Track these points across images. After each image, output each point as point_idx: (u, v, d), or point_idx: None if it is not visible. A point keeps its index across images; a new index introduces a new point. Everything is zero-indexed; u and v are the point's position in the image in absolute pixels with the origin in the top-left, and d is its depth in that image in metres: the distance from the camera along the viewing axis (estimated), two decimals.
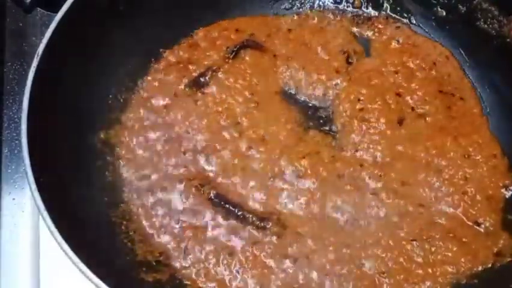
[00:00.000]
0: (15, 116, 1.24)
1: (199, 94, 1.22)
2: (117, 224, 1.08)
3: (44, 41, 1.01)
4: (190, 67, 1.25)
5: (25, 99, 0.97)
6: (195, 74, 1.24)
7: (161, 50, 1.26)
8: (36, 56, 1.00)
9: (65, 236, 0.88)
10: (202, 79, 1.23)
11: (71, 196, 1.00)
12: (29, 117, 0.96)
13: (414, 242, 1.06)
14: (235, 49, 1.26)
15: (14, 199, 1.17)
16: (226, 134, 1.17)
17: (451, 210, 1.11)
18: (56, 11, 1.05)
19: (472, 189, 1.12)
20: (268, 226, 1.07)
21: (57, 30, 1.03)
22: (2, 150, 1.21)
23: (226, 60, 1.25)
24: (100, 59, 1.14)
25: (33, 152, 0.94)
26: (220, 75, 1.23)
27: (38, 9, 1.32)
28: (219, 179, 1.13)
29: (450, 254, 1.06)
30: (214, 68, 1.24)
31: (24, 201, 1.17)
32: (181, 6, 1.25)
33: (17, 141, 1.21)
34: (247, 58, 1.26)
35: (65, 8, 1.05)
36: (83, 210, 1.02)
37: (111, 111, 1.19)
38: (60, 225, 0.89)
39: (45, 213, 0.89)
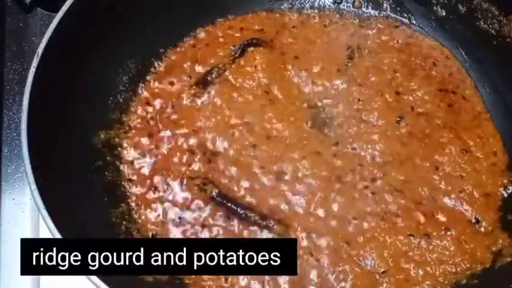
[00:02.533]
0: (15, 116, 1.24)
1: (206, 93, 1.22)
2: (117, 224, 1.08)
3: (44, 41, 1.01)
4: (196, 66, 1.25)
5: (25, 99, 0.97)
6: (201, 73, 1.24)
7: (162, 50, 1.27)
8: (36, 56, 1.00)
9: (65, 236, 0.88)
10: (208, 78, 1.23)
11: (71, 196, 1.00)
12: (29, 117, 0.96)
13: (412, 238, 1.07)
14: (241, 47, 1.26)
15: (14, 199, 1.18)
16: (231, 133, 1.17)
17: (449, 207, 1.11)
18: (56, 11, 1.05)
19: (470, 186, 1.12)
20: (270, 225, 1.08)
21: (57, 30, 1.03)
22: (2, 150, 1.21)
23: (233, 58, 1.25)
24: (100, 59, 1.14)
25: (33, 152, 0.94)
26: (227, 73, 1.24)
27: (38, 9, 1.33)
28: (222, 178, 1.13)
29: (447, 253, 1.06)
30: (221, 66, 1.24)
31: (24, 201, 1.17)
32: (181, 6, 1.26)
33: (17, 141, 1.21)
34: (254, 56, 1.25)
35: (65, 8, 1.05)
36: (83, 210, 1.02)
37: (111, 112, 1.19)
38: (60, 225, 0.89)
39: (45, 213, 0.89)
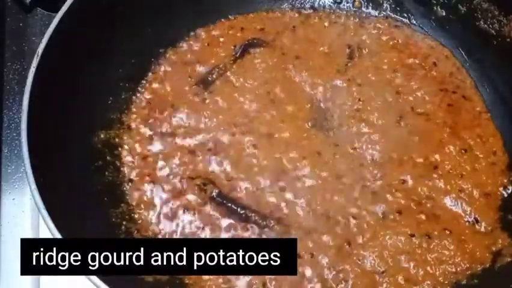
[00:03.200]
0: (15, 116, 1.24)
1: (207, 93, 1.22)
2: (117, 224, 1.08)
3: (44, 41, 1.01)
4: (197, 66, 1.25)
5: (25, 99, 0.97)
6: (201, 73, 1.24)
7: (162, 50, 1.27)
8: (36, 56, 1.00)
9: (65, 236, 0.88)
10: (209, 78, 1.23)
11: (71, 196, 1.00)
12: (29, 117, 0.96)
13: (412, 238, 1.07)
14: (242, 47, 1.26)
15: (14, 199, 1.18)
16: (231, 133, 1.17)
17: (449, 207, 1.11)
18: (56, 11, 1.05)
19: (470, 186, 1.13)
20: (270, 225, 1.08)
21: (57, 30, 1.03)
22: (2, 150, 1.21)
23: (234, 58, 1.25)
24: (100, 59, 1.14)
25: (33, 152, 0.94)
26: (228, 73, 1.24)
27: (38, 9, 1.33)
28: (222, 178, 1.13)
29: (447, 253, 1.06)
30: (221, 66, 1.24)
31: (24, 201, 1.17)
32: (181, 6, 1.26)
33: (17, 141, 1.21)
34: (255, 56, 1.26)
35: (65, 8, 1.05)
36: (83, 210, 1.02)
37: (111, 111, 1.19)
38: (60, 225, 0.89)
39: (45, 213, 0.89)
